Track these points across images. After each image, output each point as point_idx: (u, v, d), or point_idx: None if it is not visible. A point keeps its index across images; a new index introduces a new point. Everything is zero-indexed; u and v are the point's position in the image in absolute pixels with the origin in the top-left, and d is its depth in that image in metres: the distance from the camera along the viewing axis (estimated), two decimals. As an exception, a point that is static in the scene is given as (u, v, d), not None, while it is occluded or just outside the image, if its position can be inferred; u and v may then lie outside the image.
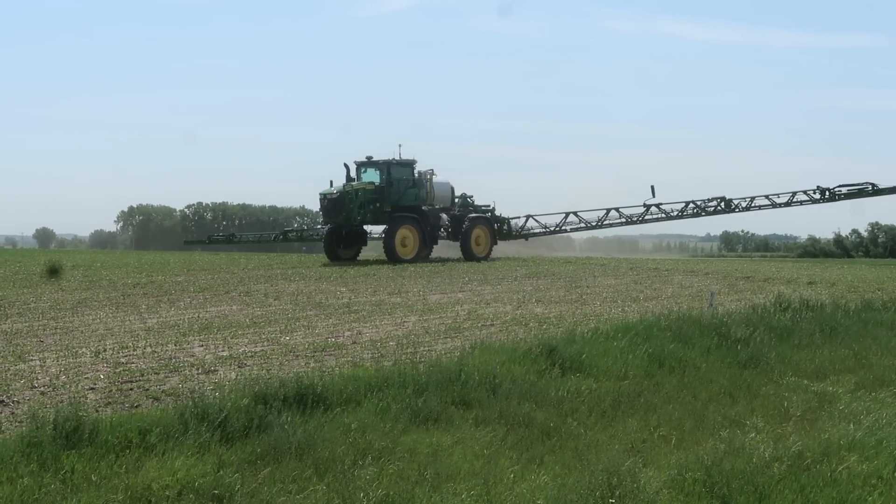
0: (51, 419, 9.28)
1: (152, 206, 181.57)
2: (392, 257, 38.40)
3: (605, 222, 46.16)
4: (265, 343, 16.02)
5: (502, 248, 46.21)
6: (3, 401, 11.56)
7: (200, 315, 20.03)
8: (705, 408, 11.94)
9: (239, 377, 12.71)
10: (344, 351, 15.13)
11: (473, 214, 42.24)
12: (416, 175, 40.67)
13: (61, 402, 11.03)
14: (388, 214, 39.68)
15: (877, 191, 45.26)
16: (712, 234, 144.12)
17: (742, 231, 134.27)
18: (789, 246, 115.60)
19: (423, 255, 40.27)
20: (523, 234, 46.13)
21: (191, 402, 10.07)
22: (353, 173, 40.14)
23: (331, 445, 9.40)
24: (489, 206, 44.31)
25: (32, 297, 23.95)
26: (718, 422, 11.20)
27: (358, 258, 41.77)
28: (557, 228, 45.99)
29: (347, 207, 39.12)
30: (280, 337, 16.69)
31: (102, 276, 30.65)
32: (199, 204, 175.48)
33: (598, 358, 13.99)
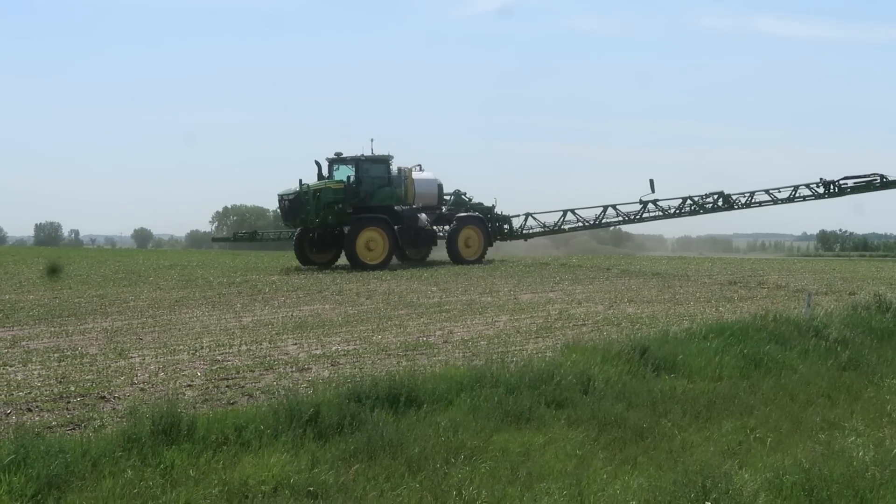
0: (150, 415, 9.48)
1: (246, 206, 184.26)
2: (355, 263, 34.84)
3: (602, 220, 40.94)
4: (357, 342, 16.16)
5: (534, 246, 44.40)
6: (104, 397, 11.85)
7: (294, 314, 20.29)
8: (803, 410, 11.72)
9: (332, 375, 12.85)
10: (435, 350, 15.18)
11: (462, 214, 38.65)
12: (392, 172, 36.93)
13: (160, 398, 11.27)
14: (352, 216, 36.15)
15: (885, 183, 41.63)
16: (809, 233, 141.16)
17: (840, 230, 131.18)
18: (889, 245, 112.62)
19: (411, 257, 38.10)
20: (523, 235, 42.27)
21: (285, 400, 10.21)
22: (325, 171, 36.69)
23: (423, 444, 9.43)
24: (488, 204, 40.76)
25: (131, 295, 24.51)
26: (817, 424, 10.99)
27: (336, 263, 38.25)
28: (557, 227, 42.19)
29: (304, 209, 35.44)
30: (372, 336, 16.82)
31: (198, 275, 31.24)
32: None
33: (692, 358, 13.82)
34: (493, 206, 40.66)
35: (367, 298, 23.28)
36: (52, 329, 18.28)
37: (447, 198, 39.76)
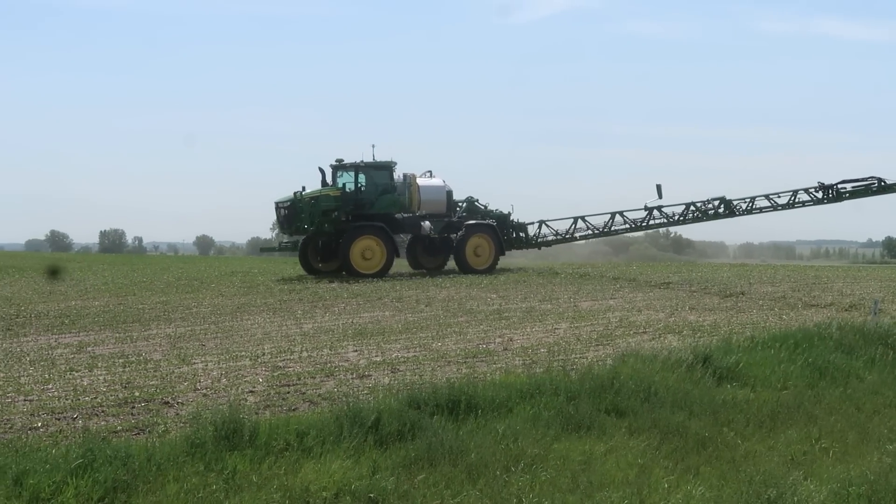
0: (213, 421, 9.58)
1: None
2: (350, 272, 33.83)
3: (611, 228, 39.57)
4: (417, 349, 16.20)
5: (594, 254, 42.88)
6: (168, 402, 12.01)
7: (354, 320, 20.39)
8: (870, 420, 11.54)
9: (392, 382, 12.89)
10: (495, 357, 15.17)
11: (472, 221, 36.86)
12: (394, 179, 35.83)
13: (222, 404, 11.39)
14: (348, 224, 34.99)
15: (884, 187, 39.17)
16: (874, 240, 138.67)
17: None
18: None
19: (426, 266, 36.92)
20: (537, 243, 40.50)
21: (346, 407, 10.26)
22: (328, 178, 35.67)
23: (483, 451, 9.44)
24: (505, 211, 39.08)
25: (194, 302, 24.80)
26: (884, 435, 10.81)
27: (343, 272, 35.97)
28: (570, 235, 40.52)
29: (299, 217, 34.59)
30: (432, 343, 16.85)
31: (259, 281, 31.51)
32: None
33: (755, 367, 13.67)
34: (510, 214, 39.11)
35: (426, 305, 23.33)
36: (117, 335, 18.56)
37: (461, 205, 38.32)
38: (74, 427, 10.59)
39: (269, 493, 8.15)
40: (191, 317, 21.42)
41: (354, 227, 34.37)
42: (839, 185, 39.27)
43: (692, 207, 39.14)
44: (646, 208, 39.02)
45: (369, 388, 12.54)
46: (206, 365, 14.73)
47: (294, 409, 11.39)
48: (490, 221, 37.55)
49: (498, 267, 37.14)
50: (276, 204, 35.32)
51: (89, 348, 16.84)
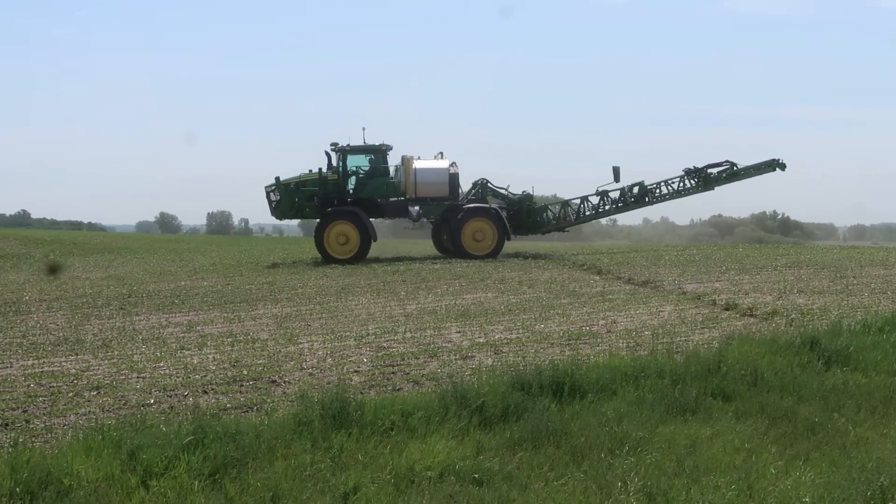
0: (319, 400, 9.74)
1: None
2: (326, 257, 33.26)
3: (583, 213, 37.32)
4: (520, 330, 16.20)
5: (699, 235, 41.73)
6: (275, 381, 12.24)
7: (457, 302, 20.47)
8: None
9: (495, 363, 12.93)
10: (598, 339, 15.10)
11: (471, 205, 35.09)
12: (386, 162, 34.94)
13: (328, 383, 11.57)
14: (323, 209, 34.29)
15: (735, 172, 37.31)
16: None
17: None
18: None
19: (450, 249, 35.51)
20: (557, 226, 37.76)
21: (450, 387, 10.33)
22: (334, 161, 34.77)
23: (587, 433, 9.41)
24: (523, 192, 37.01)
25: (299, 282, 25.17)
26: None
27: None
28: (585, 216, 38.03)
29: (281, 202, 34.32)
30: (535, 324, 16.84)
31: (362, 263, 31.80)
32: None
33: (867, 352, 13.32)
34: (527, 196, 37.02)
35: (529, 287, 23.29)
36: (226, 315, 18.96)
37: (476, 188, 36.65)
38: (185, 404, 10.88)
39: (374, 472, 8.26)
40: (296, 297, 21.76)
41: (328, 212, 33.80)
42: (707, 171, 37.16)
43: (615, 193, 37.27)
44: (597, 192, 37.23)
45: (472, 369, 12.60)
46: (312, 345, 14.96)
47: (398, 389, 11.51)
48: (493, 205, 35.77)
49: (597, 251, 36.73)
50: (266, 189, 34.89)
51: (199, 327, 17.24)
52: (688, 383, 11.19)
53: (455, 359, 13.59)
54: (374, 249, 34.93)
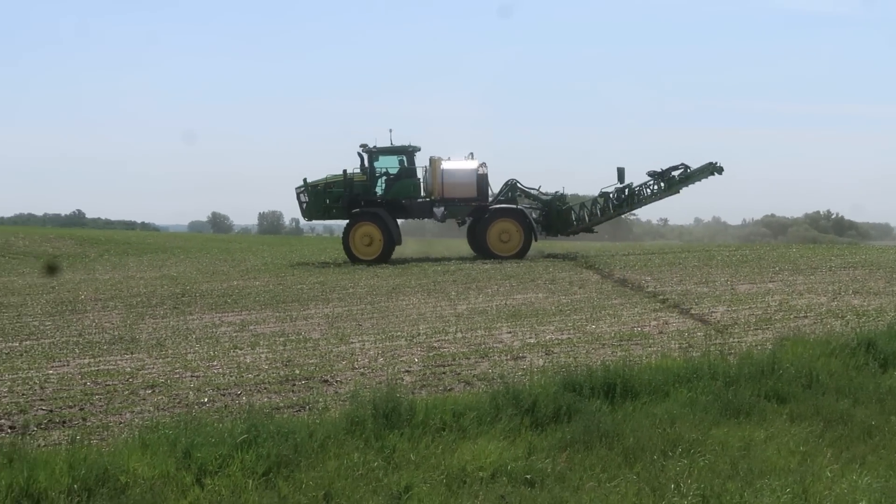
0: (371, 400, 9.78)
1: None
2: (352, 258, 33.64)
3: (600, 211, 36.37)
4: (571, 331, 16.16)
5: (750, 235, 41.04)
6: (327, 380, 12.31)
7: (508, 302, 20.46)
8: None
9: (546, 364, 12.90)
10: (650, 341, 15.01)
11: (497, 206, 34.86)
12: (414, 164, 35.00)
13: (380, 383, 11.61)
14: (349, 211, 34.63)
15: (689, 175, 36.14)
16: None
17: None
18: None
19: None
20: (583, 227, 36.76)
21: (502, 388, 10.33)
22: (366, 162, 35.00)
23: (639, 435, 9.37)
24: (555, 193, 36.48)
25: (351, 282, 25.29)
26: None
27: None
28: (607, 215, 37.11)
29: (310, 204, 34.91)
30: (586, 325, 16.78)
31: (412, 263, 31.88)
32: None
33: (925, 354, 13.12)
34: (559, 196, 36.43)
35: (580, 287, 23.22)
36: (278, 314, 19.11)
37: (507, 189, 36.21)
38: (238, 403, 10.97)
39: (427, 472, 8.28)
40: (347, 297, 21.86)
41: (353, 213, 34.12)
42: (671, 174, 36.15)
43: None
44: (601, 193, 36.68)
45: (524, 369, 12.59)
46: (364, 344, 15.02)
47: (450, 390, 11.53)
48: (520, 206, 35.38)
49: (648, 252, 36.45)
50: (296, 190, 35.29)
51: (251, 327, 17.39)
52: (741, 385, 11.11)
53: (506, 359, 13.59)
54: (404, 250, 35.46)
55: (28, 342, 16.32)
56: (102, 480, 7.95)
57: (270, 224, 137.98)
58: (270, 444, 8.64)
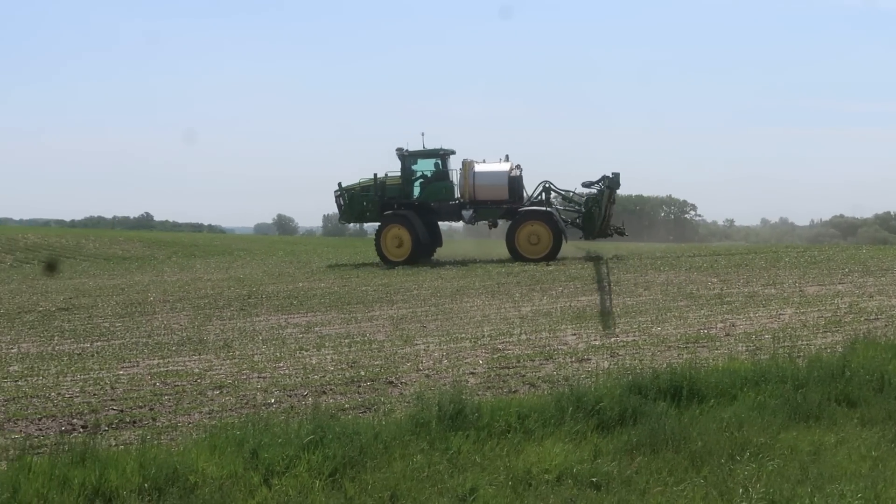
0: (436, 402, 9.80)
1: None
2: (384, 260, 34.18)
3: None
4: (636, 333, 16.05)
5: (820, 236, 40.51)
6: (392, 382, 12.37)
7: (572, 304, 20.39)
8: None
9: (611, 366, 12.83)
10: (717, 343, 14.87)
11: (526, 208, 34.55)
12: (446, 167, 35.45)
13: (444, 385, 11.64)
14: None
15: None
16: None
17: None
18: None
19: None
20: (618, 230, 36.07)
21: (567, 390, 10.30)
22: (404, 165, 35.51)
23: (707, 438, 9.28)
24: (590, 195, 35.26)
25: (414, 284, 25.38)
26: None
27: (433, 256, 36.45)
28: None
29: (347, 207, 36.00)
30: (651, 327, 16.66)
31: (477, 264, 31.90)
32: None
33: None
34: (594, 199, 35.09)
35: (645, 289, 23.06)
36: (343, 316, 19.25)
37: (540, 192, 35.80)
38: (305, 404, 11.07)
39: (492, 474, 8.28)
40: (412, 299, 21.94)
41: (385, 216, 34.76)
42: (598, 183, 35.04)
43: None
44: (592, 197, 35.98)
45: (588, 371, 12.53)
46: (428, 346, 15.07)
47: (514, 392, 11.52)
48: (549, 208, 34.97)
49: (714, 253, 36.06)
50: (334, 193, 36.06)
51: (317, 328, 17.54)
52: (811, 388, 10.95)
53: (571, 361, 13.54)
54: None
55: (99, 343, 16.63)
56: (172, 480, 8.06)
57: (335, 226, 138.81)
58: (336, 445, 8.70)
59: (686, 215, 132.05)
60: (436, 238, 36.88)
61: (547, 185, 35.92)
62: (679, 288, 23.22)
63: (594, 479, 8.20)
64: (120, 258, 44.08)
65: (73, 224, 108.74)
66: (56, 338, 17.56)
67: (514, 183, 35.12)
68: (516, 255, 33.75)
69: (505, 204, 34.77)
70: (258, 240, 66.89)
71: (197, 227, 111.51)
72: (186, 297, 23.63)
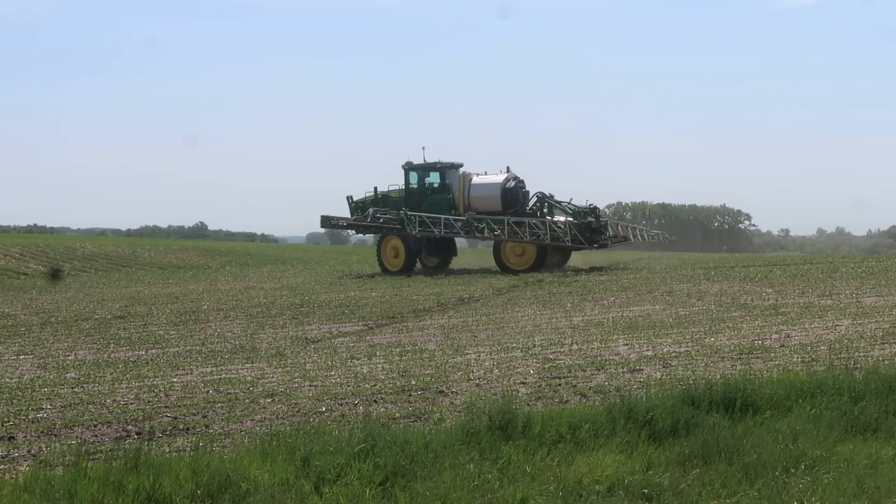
0: (487, 411, 9.77)
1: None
2: (383, 268, 36.53)
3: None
4: (689, 343, 15.91)
5: (877, 246, 40.37)
6: (443, 391, 12.36)
7: (624, 314, 20.26)
8: None
9: (664, 377, 12.73)
10: (771, 354, 14.69)
11: (515, 219, 34.88)
12: (446, 180, 37.09)
13: (495, 394, 11.61)
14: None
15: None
16: None
17: None
18: None
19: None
20: (617, 239, 36.87)
21: (618, 401, 10.22)
22: (409, 178, 37.90)
23: (760, 451, 9.16)
24: (588, 205, 36.01)
25: (465, 293, 25.36)
26: None
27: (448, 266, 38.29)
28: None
29: (354, 219, 38.33)
30: (704, 338, 16.51)
31: (527, 274, 31.82)
32: (619, 203, 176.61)
33: None
34: (593, 210, 35.87)
35: (698, 300, 22.87)
36: (394, 325, 19.27)
37: (535, 202, 36.93)
38: (356, 412, 11.09)
39: (542, 485, 8.23)
40: (463, 308, 21.93)
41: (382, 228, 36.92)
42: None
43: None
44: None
45: (640, 382, 12.43)
46: (479, 356, 15.04)
47: (566, 402, 11.45)
48: (539, 219, 35.40)
49: (769, 263, 35.68)
50: (349, 205, 38.63)
51: (368, 337, 17.58)
52: (868, 401, 10.76)
53: (622, 372, 13.44)
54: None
55: (154, 351, 16.82)
56: (224, 487, 8.11)
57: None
58: (387, 453, 8.70)
59: (740, 225, 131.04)
60: (450, 249, 38.55)
61: (542, 196, 37.16)
62: (733, 298, 23.00)
63: (646, 491, 8.12)
64: (174, 267, 44.57)
65: (128, 233, 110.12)
66: (112, 345, 17.79)
67: (509, 194, 36.34)
68: (503, 267, 34.69)
69: (498, 215, 35.60)
70: (310, 249, 67.29)
71: (250, 237, 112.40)
72: (239, 306, 23.83)
